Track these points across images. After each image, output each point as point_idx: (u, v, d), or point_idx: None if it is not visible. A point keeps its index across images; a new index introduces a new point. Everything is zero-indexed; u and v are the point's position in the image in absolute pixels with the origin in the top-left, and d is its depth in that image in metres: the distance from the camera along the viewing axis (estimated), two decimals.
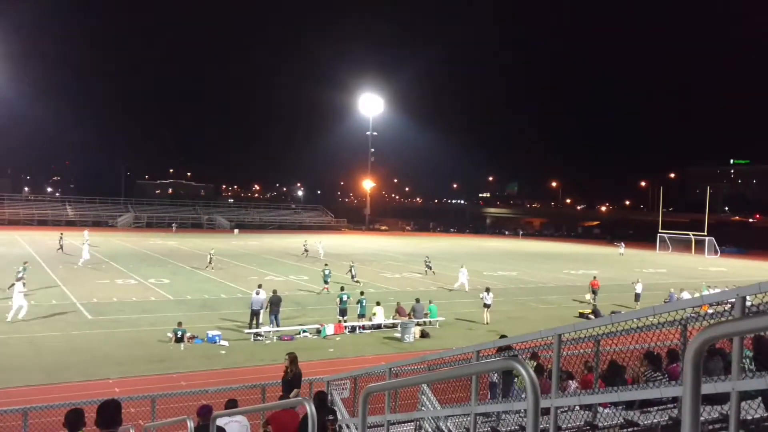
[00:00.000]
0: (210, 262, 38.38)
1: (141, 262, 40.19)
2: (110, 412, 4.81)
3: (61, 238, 46.19)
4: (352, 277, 32.84)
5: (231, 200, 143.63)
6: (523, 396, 7.47)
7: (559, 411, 5.59)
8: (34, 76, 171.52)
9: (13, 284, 23.56)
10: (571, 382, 8.18)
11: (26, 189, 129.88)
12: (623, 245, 65.68)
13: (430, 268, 40.14)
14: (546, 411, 5.29)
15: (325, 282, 31.12)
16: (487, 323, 24.59)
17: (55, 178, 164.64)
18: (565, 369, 7.50)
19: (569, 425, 6.20)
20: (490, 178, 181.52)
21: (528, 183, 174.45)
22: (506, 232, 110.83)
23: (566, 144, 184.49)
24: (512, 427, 7.37)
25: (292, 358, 10.93)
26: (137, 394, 12.59)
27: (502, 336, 11.91)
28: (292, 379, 10.64)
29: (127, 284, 31.58)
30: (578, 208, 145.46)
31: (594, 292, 30.94)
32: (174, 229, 79.33)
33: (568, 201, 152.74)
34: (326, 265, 34.03)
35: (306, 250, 49.80)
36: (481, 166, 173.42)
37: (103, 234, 66.14)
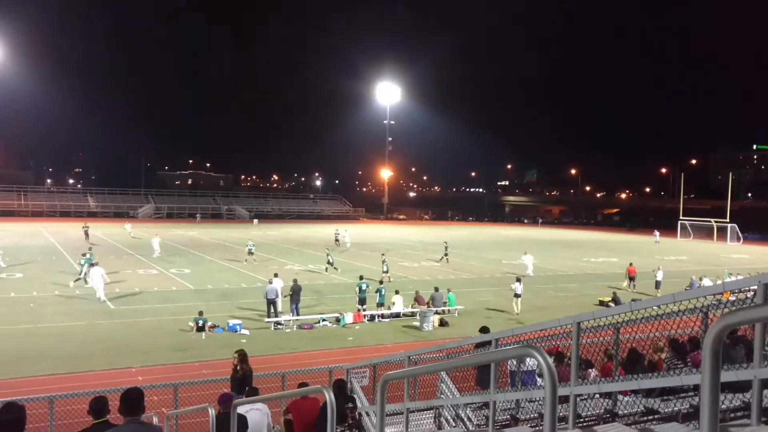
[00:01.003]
0: (250, 254, 37.77)
1: (162, 252, 40.59)
2: (133, 399, 4.88)
3: (86, 228, 47.30)
4: (385, 271, 32.61)
5: (249, 191, 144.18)
6: (541, 384, 7.48)
7: (578, 399, 5.58)
8: (56, 69, 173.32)
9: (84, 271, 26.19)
10: (590, 370, 8.15)
11: (48, 181, 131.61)
12: (658, 234, 64.81)
13: (446, 255, 40.29)
14: (565, 399, 5.29)
15: (385, 272, 31.35)
16: (518, 313, 24.48)
17: (77, 170, 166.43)
18: (585, 357, 7.48)
19: (589, 413, 6.19)
20: (509, 166, 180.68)
21: (547, 171, 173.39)
22: (525, 221, 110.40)
23: (585, 131, 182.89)
24: (532, 415, 7.36)
25: (242, 356, 10.70)
26: (160, 383, 12.76)
27: (483, 327, 11.91)
28: (242, 377, 10.40)
29: (149, 274, 31.96)
30: (598, 195, 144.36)
31: (631, 279, 31.08)
32: (198, 219, 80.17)
33: (588, 188, 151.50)
34: (383, 254, 34.74)
35: (337, 240, 50.06)
36: (499, 154, 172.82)
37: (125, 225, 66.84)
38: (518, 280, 25.73)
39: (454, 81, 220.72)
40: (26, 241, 45.93)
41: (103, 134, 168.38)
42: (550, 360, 2.47)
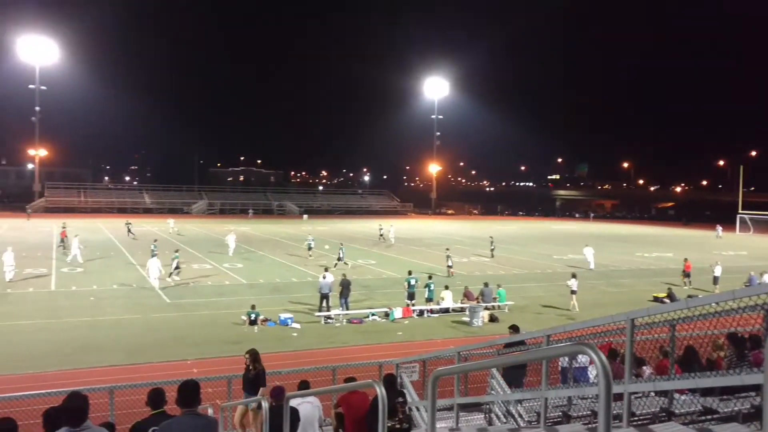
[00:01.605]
0: (309, 249, 38.44)
1: (216, 248, 41.47)
2: (190, 392, 5.02)
3: (128, 225, 49.15)
4: (449, 266, 32.65)
5: (299, 186, 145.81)
6: (595, 381, 7.36)
7: (633, 397, 5.48)
8: (114, 71, 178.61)
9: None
10: (644, 367, 7.98)
11: (106, 178, 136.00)
12: (720, 228, 62.69)
13: (492, 250, 40.27)
14: (619, 396, 5.20)
15: (450, 266, 32.06)
16: (575, 309, 24.07)
17: (133, 167, 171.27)
18: (639, 355, 7.33)
19: (644, 411, 6.06)
20: (559, 160, 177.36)
21: (598, 164, 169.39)
22: (576, 215, 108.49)
23: (638, 123, 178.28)
24: (584, 412, 7.26)
25: (254, 355, 10.33)
26: (214, 375, 13.04)
27: (513, 326, 11.89)
28: (255, 377, 10.12)
29: (203, 269, 32.69)
30: (651, 189, 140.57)
31: (686, 275, 30.38)
32: (250, 215, 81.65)
33: (641, 182, 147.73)
34: (447, 249, 35.50)
35: (381, 235, 50.34)
36: (549, 148, 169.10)
37: (179, 221, 68.52)
38: (574, 276, 25.31)
39: (502, 74, 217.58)
40: (86, 236, 47.48)
41: (158, 132, 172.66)
42: (604, 357, 2.44)
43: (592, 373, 8.25)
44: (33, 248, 38.47)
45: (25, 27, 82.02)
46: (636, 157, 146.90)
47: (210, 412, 10.14)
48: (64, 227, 41.64)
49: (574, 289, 24.57)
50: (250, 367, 10.22)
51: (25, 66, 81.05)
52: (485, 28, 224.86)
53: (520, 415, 8.17)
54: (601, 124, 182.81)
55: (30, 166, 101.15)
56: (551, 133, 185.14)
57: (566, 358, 8.32)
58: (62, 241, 39.42)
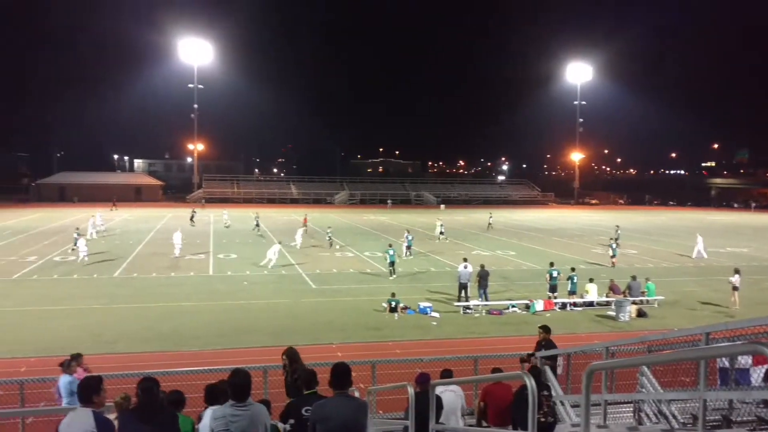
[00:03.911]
0: (441, 234, 41.93)
1: (356, 236, 42.72)
2: (342, 373, 5.27)
3: (193, 215, 52.07)
4: (612, 255, 32.17)
5: (436, 176, 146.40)
6: (758, 384, 6.81)
7: None
8: (262, 69, 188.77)
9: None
10: None
11: (256, 171, 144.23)
12: None
13: (616, 240, 38.74)
14: None
15: (613, 255, 32.03)
16: (736, 307, 22.43)
17: (280, 159, 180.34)
18: None
19: None
20: (715, 145, 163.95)
21: (761, 149, 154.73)
22: (735, 205, 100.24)
23: None
24: (747, 417, 6.75)
25: (291, 356, 8.59)
26: (357, 359, 13.49)
27: (544, 326, 11.26)
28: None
29: (345, 257, 33.85)
30: None
31: None
32: (389, 205, 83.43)
33: None
34: (615, 239, 36.21)
35: (490, 224, 51.23)
36: (703, 132, 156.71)
37: (322, 210, 71.42)
38: (737, 271, 23.41)
39: (650, 56, 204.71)
40: (239, 225, 50.75)
41: (303, 127, 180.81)
42: None
43: (754, 375, 7.65)
44: (194, 235, 41.65)
45: (185, 30, 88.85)
46: None
47: (356, 395, 10.51)
48: (306, 215, 47.99)
49: (737, 285, 22.75)
50: (289, 370, 8.48)
51: (184, 66, 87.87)
52: (631, 5, 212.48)
53: (674, 416, 7.74)
54: (764, 104, 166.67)
55: (189, 159, 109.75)
56: (705, 116, 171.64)
57: (725, 359, 7.77)
58: (305, 227, 42.91)
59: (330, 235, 38.73)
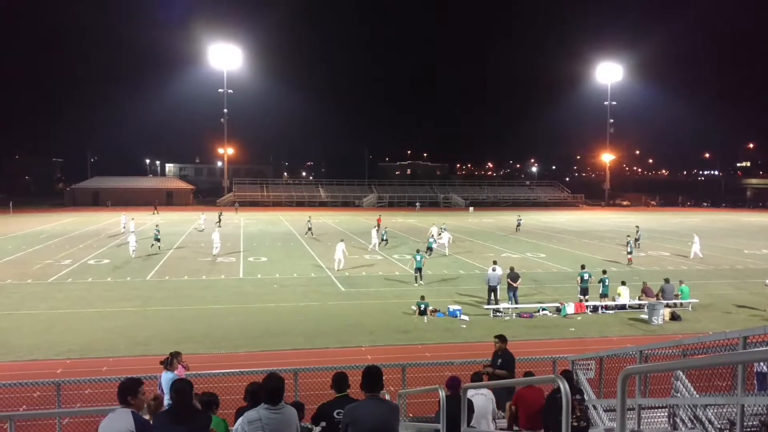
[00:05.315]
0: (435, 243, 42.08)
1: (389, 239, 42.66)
2: (374, 376, 5.28)
3: (220, 215, 52.86)
4: (629, 252, 32.48)
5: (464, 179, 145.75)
6: None
7: None
8: (289, 73, 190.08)
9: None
10: None
11: (285, 174, 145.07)
12: None
13: (637, 240, 38.84)
14: None
15: (629, 252, 32.64)
16: None
17: (309, 163, 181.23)
18: None
19: None
20: (750, 145, 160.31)
21: None
22: None
23: None
24: None
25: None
26: (387, 362, 13.50)
27: (500, 336, 11.32)
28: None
29: (374, 259, 33.90)
30: None
31: None
32: (418, 208, 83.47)
33: None
34: (634, 237, 37.30)
35: (519, 226, 50.94)
36: (738, 132, 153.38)
37: (350, 213, 71.61)
38: None
39: (682, 54, 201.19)
40: (269, 228, 51.19)
41: (331, 130, 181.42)
42: None
43: None
44: (224, 238, 42.04)
45: (215, 35, 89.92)
46: None
47: (387, 398, 10.52)
48: (380, 216, 49.72)
49: None
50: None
51: (215, 71, 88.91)
52: (661, 3, 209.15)
53: (710, 421, 7.60)
54: None
55: (219, 163, 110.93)
56: (740, 115, 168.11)
57: (765, 363, 7.62)
58: (378, 227, 43.80)
59: (385, 236, 40.64)
